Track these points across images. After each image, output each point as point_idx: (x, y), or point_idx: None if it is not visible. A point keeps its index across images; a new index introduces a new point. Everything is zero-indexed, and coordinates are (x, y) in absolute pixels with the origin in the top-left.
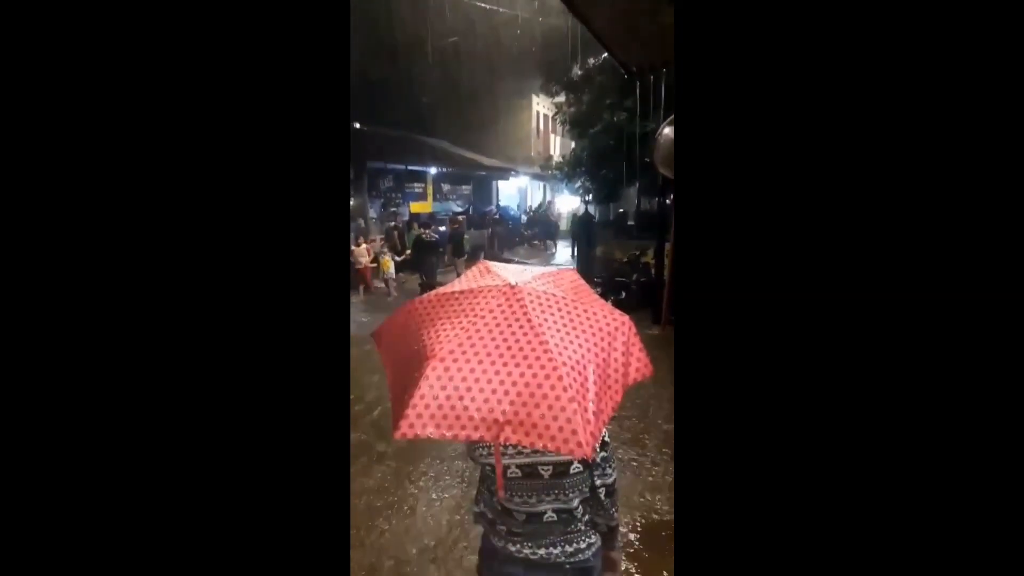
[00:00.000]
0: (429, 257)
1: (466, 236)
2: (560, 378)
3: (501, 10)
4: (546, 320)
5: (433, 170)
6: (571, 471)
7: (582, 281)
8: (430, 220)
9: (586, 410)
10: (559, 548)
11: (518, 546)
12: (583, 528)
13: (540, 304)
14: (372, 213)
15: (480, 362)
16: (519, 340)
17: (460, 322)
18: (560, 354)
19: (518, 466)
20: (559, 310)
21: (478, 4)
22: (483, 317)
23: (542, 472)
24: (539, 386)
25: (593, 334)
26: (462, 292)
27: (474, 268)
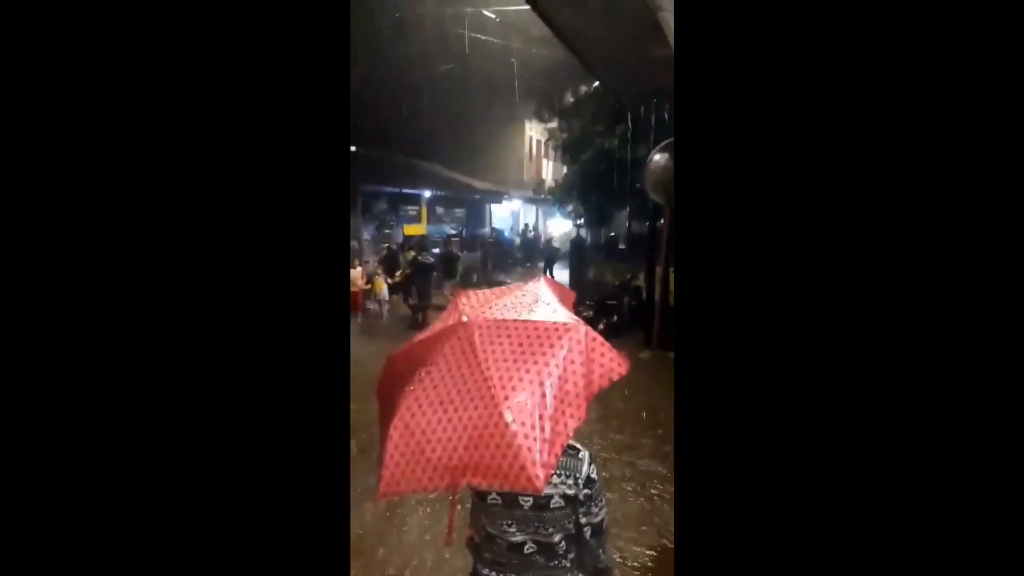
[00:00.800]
0: (425, 279)
1: (460, 257)
2: (501, 415)
3: (496, 41)
4: (493, 353)
5: (427, 193)
6: (551, 505)
7: (547, 290)
8: (423, 242)
9: (533, 441)
10: None
11: (500, 574)
12: (567, 565)
13: (489, 337)
14: (366, 235)
15: (435, 412)
16: (467, 382)
17: (419, 373)
18: (502, 389)
19: (498, 493)
20: (508, 337)
21: (472, 35)
22: (437, 364)
23: (522, 503)
24: (485, 426)
25: (543, 354)
26: (426, 339)
27: (453, 301)
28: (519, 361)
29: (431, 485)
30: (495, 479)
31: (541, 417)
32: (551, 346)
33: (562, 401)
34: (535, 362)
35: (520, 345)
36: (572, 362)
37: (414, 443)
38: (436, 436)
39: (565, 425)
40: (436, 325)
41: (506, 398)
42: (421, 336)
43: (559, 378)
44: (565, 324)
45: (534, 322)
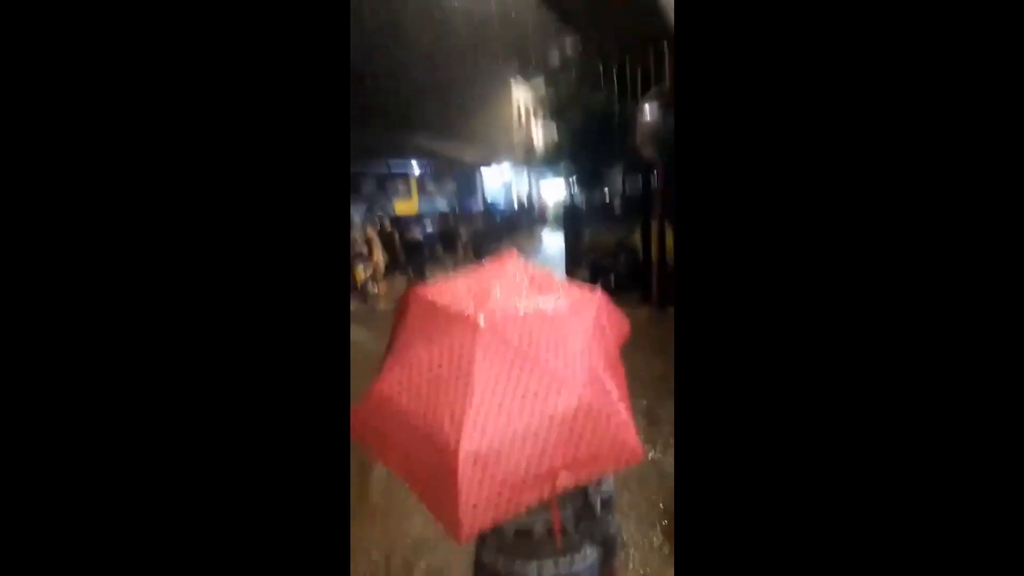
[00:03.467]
0: (418, 257)
1: (460, 234)
2: (590, 404)
3: (475, 5)
4: (539, 345)
5: (417, 170)
6: None
7: (529, 265)
8: (415, 221)
9: (621, 414)
10: (552, 564)
11: (508, 561)
12: (577, 542)
13: (524, 331)
14: (356, 217)
15: (505, 430)
16: (529, 386)
17: (459, 390)
18: (573, 376)
19: None
20: (540, 326)
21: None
22: (478, 380)
23: None
24: (573, 420)
25: (584, 331)
26: (428, 354)
27: (411, 306)
28: (565, 347)
29: (524, 504)
30: (596, 467)
31: (611, 391)
32: (585, 321)
33: (614, 370)
34: (579, 341)
35: (557, 332)
36: (603, 331)
37: (492, 468)
38: (516, 452)
39: (624, 391)
40: (422, 331)
41: (582, 383)
42: (416, 351)
43: (606, 350)
44: (584, 293)
45: (555, 303)
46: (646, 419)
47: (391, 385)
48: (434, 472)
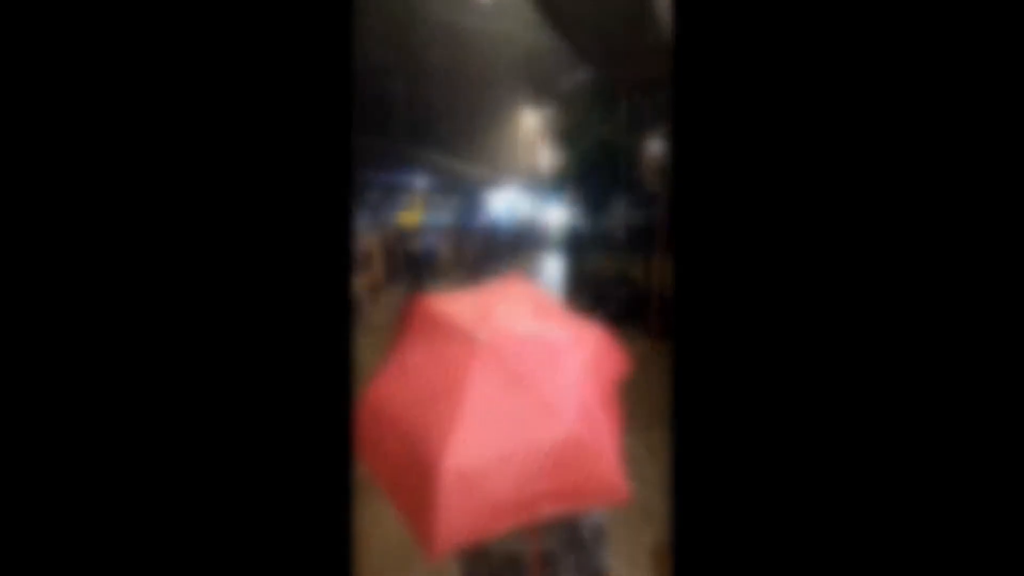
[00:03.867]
0: (418, 269)
1: (462, 248)
2: (578, 438)
3: (490, 26)
4: (535, 371)
5: (422, 181)
6: None
7: (535, 291)
8: (418, 233)
9: (609, 453)
10: None
11: None
12: (564, 573)
13: (522, 354)
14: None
15: (490, 449)
16: (521, 410)
17: (451, 403)
18: (565, 407)
19: None
20: (539, 353)
21: (465, 21)
22: (470, 395)
23: None
24: (560, 453)
25: (582, 364)
26: (425, 364)
27: (414, 316)
28: (560, 376)
29: (502, 527)
30: (578, 501)
31: (602, 429)
32: (583, 354)
33: (607, 405)
34: (575, 373)
35: (555, 360)
36: (600, 367)
37: (474, 486)
38: (500, 474)
39: (617, 428)
40: (420, 345)
41: (574, 419)
42: (413, 359)
43: (601, 383)
44: (583, 327)
45: (556, 332)
46: (643, 452)
47: (385, 389)
48: (415, 482)
